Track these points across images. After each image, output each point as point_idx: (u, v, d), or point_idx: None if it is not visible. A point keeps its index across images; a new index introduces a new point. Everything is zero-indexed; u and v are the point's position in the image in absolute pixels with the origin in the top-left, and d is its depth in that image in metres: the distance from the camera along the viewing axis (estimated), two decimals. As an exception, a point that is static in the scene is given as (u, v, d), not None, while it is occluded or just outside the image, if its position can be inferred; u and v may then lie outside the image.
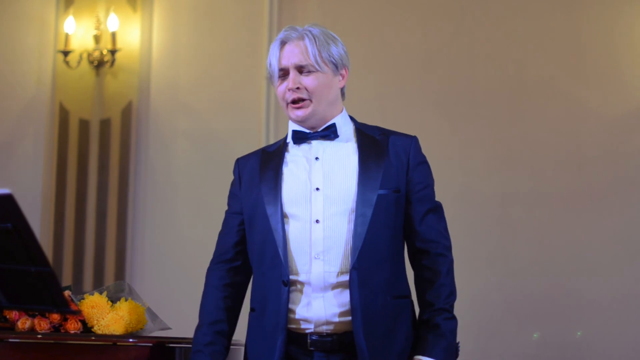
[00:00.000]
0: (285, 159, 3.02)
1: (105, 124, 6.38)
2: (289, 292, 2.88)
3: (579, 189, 5.89)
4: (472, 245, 5.94)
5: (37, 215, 6.35)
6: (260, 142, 6.25)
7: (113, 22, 6.37)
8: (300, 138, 3.03)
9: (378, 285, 2.90)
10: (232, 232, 3.12)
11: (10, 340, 3.06)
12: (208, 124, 6.41)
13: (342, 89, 3.08)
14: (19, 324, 3.24)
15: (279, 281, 2.89)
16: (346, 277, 2.87)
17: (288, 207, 2.94)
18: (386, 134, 3.06)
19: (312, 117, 2.99)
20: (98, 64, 6.38)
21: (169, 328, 3.55)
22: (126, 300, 3.35)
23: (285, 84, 2.99)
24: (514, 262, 5.91)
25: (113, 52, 6.35)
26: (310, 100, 2.97)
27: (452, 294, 2.98)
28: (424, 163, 3.06)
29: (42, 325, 3.22)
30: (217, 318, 3.04)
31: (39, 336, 3.13)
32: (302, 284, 2.90)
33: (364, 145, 3.00)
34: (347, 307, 2.87)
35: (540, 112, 6.00)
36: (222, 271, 3.11)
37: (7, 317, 3.29)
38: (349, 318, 2.87)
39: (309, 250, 2.89)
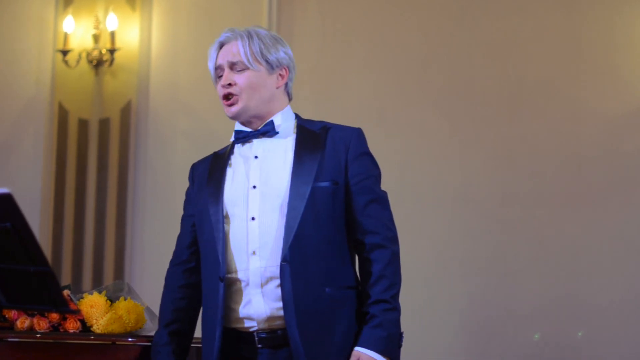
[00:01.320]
0: (229, 160, 3.08)
1: (104, 124, 6.38)
2: (224, 287, 2.91)
3: (579, 189, 5.89)
4: (472, 246, 5.94)
5: (37, 215, 6.34)
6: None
7: (112, 21, 6.36)
8: (242, 137, 3.07)
9: (312, 277, 2.88)
10: (186, 234, 3.21)
11: (10, 339, 3.06)
12: (207, 123, 6.40)
13: (286, 88, 3.11)
14: (18, 324, 3.24)
15: (216, 277, 2.93)
16: (284, 270, 2.88)
17: (229, 207, 2.98)
18: (327, 127, 3.06)
19: (244, 112, 3.04)
20: (97, 64, 6.38)
21: (168, 328, 3.54)
22: (125, 299, 3.35)
23: (220, 82, 3.10)
24: (514, 262, 5.91)
25: (112, 51, 6.35)
26: (239, 97, 3.03)
27: (393, 286, 2.91)
28: (365, 155, 3.03)
29: (41, 324, 3.21)
30: (171, 319, 3.10)
31: (38, 335, 3.12)
32: (241, 282, 2.93)
33: (301, 139, 3.01)
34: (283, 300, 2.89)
35: (539, 112, 6.00)
36: (177, 273, 3.16)
37: (6, 316, 3.29)
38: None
39: (246, 248, 2.92)
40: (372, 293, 2.88)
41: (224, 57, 3.12)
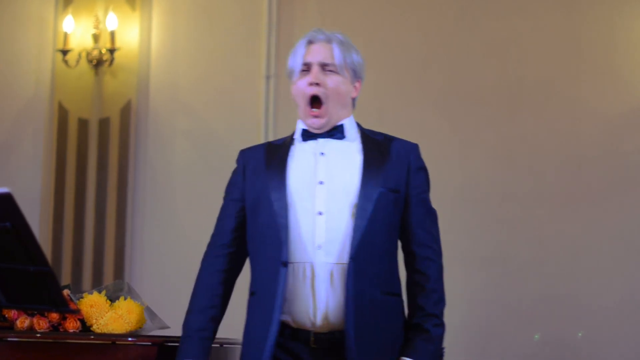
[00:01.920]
0: (291, 152, 3.09)
1: (104, 123, 6.38)
2: (287, 273, 2.92)
3: (579, 188, 5.89)
4: (471, 245, 5.94)
5: (36, 215, 6.34)
6: (259, 141, 6.24)
7: (112, 21, 6.36)
8: (308, 136, 3.10)
9: (371, 280, 2.95)
10: (229, 217, 3.17)
11: (9, 339, 3.06)
12: (207, 123, 6.40)
13: (353, 100, 3.18)
14: (18, 323, 3.24)
15: (278, 262, 2.93)
16: (345, 268, 2.92)
17: (292, 198, 2.99)
18: (389, 138, 3.15)
19: (327, 125, 3.08)
20: (97, 63, 6.38)
21: (168, 327, 3.55)
22: (125, 299, 3.35)
23: (306, 79, 3.07)
24: (513, 262, 5.91)
25: (112, 51, 6.35)
26: (325, 104, 3.05)
27: (441, 300, 3.04)
28: (423, 169, 3.14)
29: (41, 324, 3.21)
30: (211, 304, 3.10)
31: (38, 335, 3.12)
32: (303, 274, 2.94)
33: (367, 145, 3.09)
34: (344, 297, 2.92)
35: (539, 112, 6.00)
36: (219, 257, 3.14)
37: (6, 316, 3.29)
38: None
39: (312, 241, 2.94)
40: (424, 305, 2.99)
41: (317, 56, 3.09)
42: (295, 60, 3.10)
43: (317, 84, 3.05)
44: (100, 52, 6.37)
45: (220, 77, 6.43)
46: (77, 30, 6.43)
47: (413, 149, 3.13)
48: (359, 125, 3.18)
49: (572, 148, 5.92)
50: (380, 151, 3.07)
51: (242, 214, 3.12)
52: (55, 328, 3.23)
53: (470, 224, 5.97)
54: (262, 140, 6.21)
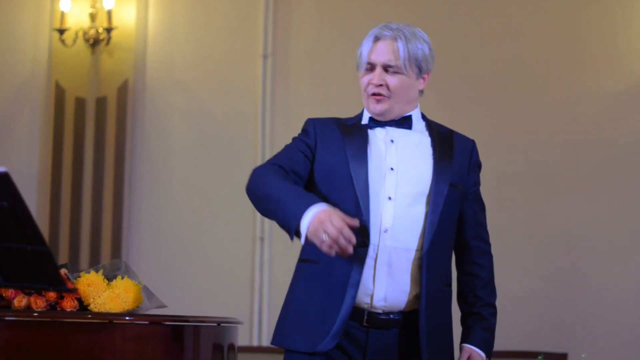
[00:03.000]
0: (366, 135, 3.09)
1: (101, 102, 6.37)
2: (366, 252, 2.94)
3: (575, 170, 5.90)
4: (468, 225, 5.95)
5: (34, 194, 6.34)
6: (256, 121, 6.25)
7: (109, 0, 6.35)
8: (376, 123, 3.13)
9: (439, 272, 3.03)
10: (296, 151, 3.09)
11: (7, 318, 3.07)
12: (204, 102, 6.40)
13: (420, 91, 3.24)
14: (15, 302, 3.24)
15: (359, 241, 2.89)
16: (411, 256, 2.98)
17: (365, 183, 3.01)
18: (452, 132, 3.22)
19: (389, 113, 3.10)
20: (94, 42, 6.37)
21: (165, 306, 3.55)
22: (122, 278, 3.35)
23: (369, 76, 3.10)
24: (511, 243, 5.92)
25: (109, 30, 6.34)
26: (388, 98, 3.08)
27: (494, 291, 3.21)
28: (480, 166, 3.23)
29: (39, 303, 3.22)
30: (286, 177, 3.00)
31: (35, 314, 3.13)
32: (367, 255, 2.95)
33: (435, 137, 3.14)
34: (409, 286, 2.98)
35: (536, 94, 6.00)
36: (281, 168, 3.03)
37: (4, 295, 3.29)
38: (408, 297, 2.98)
39: (379, 224, 2.96)
40: (482, 296, 3.15)
41: (380, 56, 3.11)
42: (362, 56, 3.13)
43: (380, 85, 3.08)
44: (97, 31, 6.36)
45: (217, 56, 6.42)
46: (74, 9, 6.42)
47: (473, 145, 3.21)
48: (424, 116, 3.23)
49: (569, 130, 5.93)
50: (448, 145, 3.13)
51: (310, 158, 3.08)
52: (52, 307, 3.24)
53: (467, 204, 5.98)
54: (258, 119, 6.22)
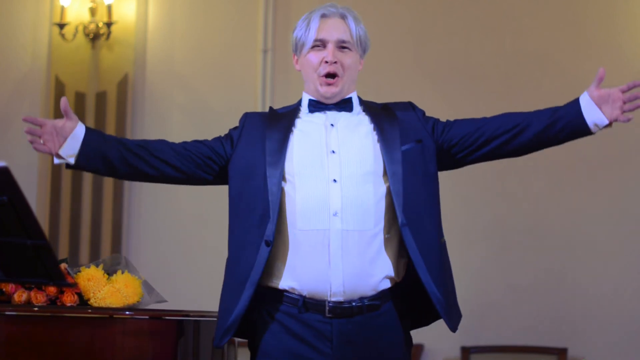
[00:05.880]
0: (295, 123, 3.07)
1: (101, 97, 6.37)
2: (269, 252, 2.89)
3: (576, 161, 5.90)
4: (469, 219, 5.96)
5: (34, 189, 6.34)
6: (256, 116, 6.25)
7: (109, -6, 6.35)
8: (316, 107, 3.09)
9: (430, 233, 2.98)
10: (204, 143, 3.28)
11: (7, 313, 3.07)
12: (204, 97, 6.40)
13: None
14: (16, 297, 3.25)
15: (261, 240, 2.90)
16: (368, 238, 2.91)
17: (299, 168, 2.97)
18: (387, 105, 3.17)
19: (339, 95, 3.08)
20: (94, 37, 6.36)
21: (165, 301, 3.56)
22: (122, 273, 3.36)
23: (320, 54, 3.06)
24: (511, 235, 5.93)
25: (109, 24, 6.33)
26: (341, 78, 3.06)
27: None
28: (427, 114, 3.22)
29: (39, 298, 3.22)
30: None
31: (36, 309, 3.13)
32: (318, 241, 2.90)
33: (374, 114, 3.10)
34: (368, 269, 2.91)
35: (536, 85, 6.00)
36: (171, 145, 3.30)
37: (4, 290, 3.30)
38: (370, 281, 2.92)
39: (328, 209, 2.91)
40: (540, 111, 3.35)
41: (333, 33, 3.08)
42: (308, 34, 3.08)
43: (335, 62, 3.04)
44: (97, 25, 6.35)
45: (217, 51, 6.42)
46: (74, 4, 6.41)
47: (410, 104, 3.18)
48: (360, 98, 3.19)
49: (569, 122, 5.93)
50: (386, 115, 3.09)
51: (214, 154, 3.18)
52: (52, 302, 3.24)
53: (469, 198, 5.98)
54: (258, 114, 6.22)
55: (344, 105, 3.09)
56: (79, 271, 3.33)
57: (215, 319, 3.32)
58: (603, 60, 5.90)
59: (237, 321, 2.91)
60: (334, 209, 2.90)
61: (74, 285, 3.22)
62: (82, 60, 6.40)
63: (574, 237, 5.86)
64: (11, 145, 6.45)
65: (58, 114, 6.38)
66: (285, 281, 2.92)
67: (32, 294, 3.24)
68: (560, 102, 6.01)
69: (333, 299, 2.90)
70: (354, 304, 2.91)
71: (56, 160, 2.99)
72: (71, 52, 6.41)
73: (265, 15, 6.33)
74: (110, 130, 6.34)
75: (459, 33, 6.11)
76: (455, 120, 3.16)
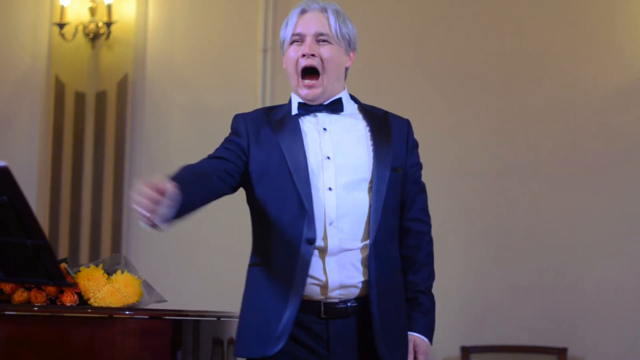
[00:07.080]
0: (298, 127, 3.00)
1: (101, 97, 6.37)
2: (313, 249, 2.87)
3: (575, 161, 5.90)
4: (469, 219, 5.96)
5: (33, 188, 6.34)
6: (256, 116, 6.25)
7: (109, -6, 6.35)
8: (305, 110, 3.03)
9: (389, 260, 2.96)
10: (225, 151, 3.05)
11: (7, 312, 3.07)
12: (204, 96, 6.40)
13: (346, 69, 3.10)
14: (15, 297, 3.24)
15: (301, 239, 2.87)
16: (358, 246, 2.90)
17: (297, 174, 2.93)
18: (386, 113, 3.11)
19: (321, 96, 3.01)
20: (94, 37, 6.36)
21: (165, 300, 3.55)
22: (122, 272, 3.35)
23: (299, 49, 2.99)
24: (510, 236, 5.93)
25: (109, 24, 6.33)
26: (321, 75, 2.98)
27: (432, 275, 3.08)
28: (417, 146, 3.12)
29: (38, 297, 3.22)
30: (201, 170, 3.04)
31: (35, 309, 3.13)
32: (317, 251, 2.88)
33: (373, 122, 3.04)
34: (360, 274, 2.90)
35: (536, 85, 6.00)
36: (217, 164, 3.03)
37: (3, 289, 3.30)
38: (362, 285, 2.91)
39: (323, 217, 2.89)
40: (419, 281, 3.04)
41: (310, 26, 3.00)
42: (287, 30, 3.02)
43: (312, 55, 2.97)
44: (97, 25, 6.35)
45: (217, 51, 6.42)
46: (74, 4, 6.41)
47: (408, 125, 3.11)
48: (354, 98, 3.13)
49: (568, 121, 5.93)
50: (383, 127, 3.03)
51: (243, 159, 3.01)
52: (52, 301, 3.24)
53: (467, 198, 5.98)
54: (259, 114, 6.22)
55: (333, 106, 3.03)
56: (79, 271, 3.33)
57: (215, 318, 3.32)
58: (603, 60, 5.91)
59: (290, 325, 2.87)
60: (330, 218, 2.89)
61: (74, 285, 3.22)
62: (82, 60, 6.40)
63: (573, 237, 5.86)
64: (11, 145, 6.45)
65: (58, 113, 6.41)
66: None
67: (32, 293, 3.23)
68: (560, 102, 6.03)
69: (328, 300, 2.90)
70: (349, 304, 2.91)
71: (146, 226, 2.81)
72: (71, 52, 6.41)
73: (265, 15, 6.34)
74: (110, 129, 6.34)
75: (459, 33, 6.11)
76: (410, 187, 3.07)
